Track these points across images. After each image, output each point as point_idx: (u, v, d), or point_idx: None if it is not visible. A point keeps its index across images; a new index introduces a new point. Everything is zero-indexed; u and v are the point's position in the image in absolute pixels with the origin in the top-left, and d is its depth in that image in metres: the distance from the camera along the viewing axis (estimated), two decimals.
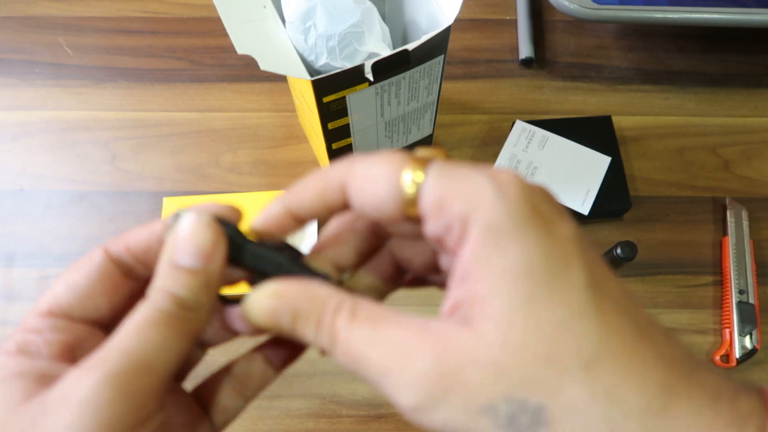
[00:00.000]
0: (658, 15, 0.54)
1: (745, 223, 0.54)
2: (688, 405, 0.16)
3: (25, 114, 0.61)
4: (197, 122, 0.60)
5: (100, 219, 0.56)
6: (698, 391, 0.16)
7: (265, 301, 0.20)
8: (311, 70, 0.44)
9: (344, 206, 0.20)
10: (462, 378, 0.16)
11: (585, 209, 0.52)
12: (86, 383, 0.17)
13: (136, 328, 0.18)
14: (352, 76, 0.39)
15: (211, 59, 0.64)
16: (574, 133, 0.55)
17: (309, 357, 0.50)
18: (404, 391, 0.16)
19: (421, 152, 0.20)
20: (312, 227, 0.55)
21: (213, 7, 0.39)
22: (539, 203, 0.17)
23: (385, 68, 0.40)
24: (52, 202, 0.57)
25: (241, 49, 0.35)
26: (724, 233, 0.54)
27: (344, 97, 0.40)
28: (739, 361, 0.49)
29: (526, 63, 0.62)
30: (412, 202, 0.18)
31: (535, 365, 0.16)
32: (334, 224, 0.22)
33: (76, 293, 0.20)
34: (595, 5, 0.54)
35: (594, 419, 0.15)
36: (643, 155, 0.58)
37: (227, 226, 0.21)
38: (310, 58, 0.43)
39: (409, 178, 0.18)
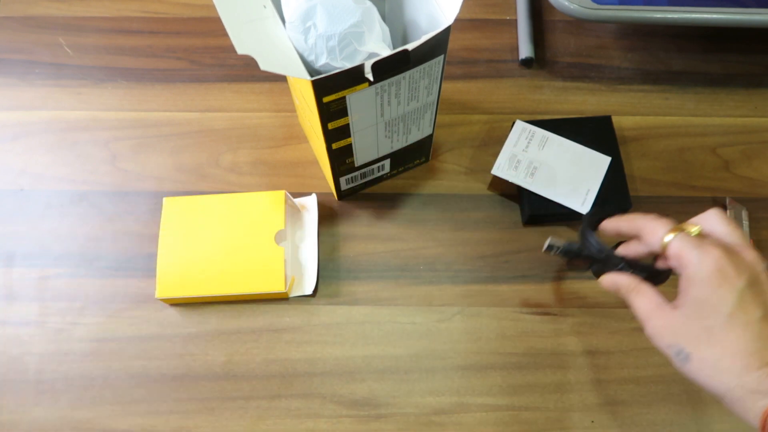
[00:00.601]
0: (658, 15, 0.54)
1: (745, 223, 0.54)
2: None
3: (25, 114, 0.61)
4: (197, 122, 0.60)
5: (100, 219, 0.56)
6: None
7: (605, 282, 0.42)
8: (311, 70, 0.44)
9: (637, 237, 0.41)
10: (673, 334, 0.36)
11: (585, 209, 0.52)
12: None
13: None
14: (352, 76, 0.39)
15: (211, 59, 0.64)
16: (575, 133, 0.55)
17: (309, 357, 0.50)
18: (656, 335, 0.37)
19: (687, 227, 0.38)
20: (313, 222, 0.55)
21: (213, 7, 0.39)
22: (727, 267, 0.35)
23: (385, 68, 0.40)
24: (52, 202, 0.57)
25: (241, 49, 0.35)
26: None
27: (344, 97, 0.40)
28: None
29: (526, 63, 0.62)
30: (665, 247, 0.38)
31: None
32: (632, 245, 0.42)
33: None
34: (595, 5, 0.54)
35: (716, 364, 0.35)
36: (643, 155, 0.58)
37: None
38: (310, 58, 0.43)
39: (669, 237, 0.37)
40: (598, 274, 0.53)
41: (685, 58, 0.64)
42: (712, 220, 0.38)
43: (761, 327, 0.33)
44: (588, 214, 0.47)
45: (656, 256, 0.41)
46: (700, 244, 0.35)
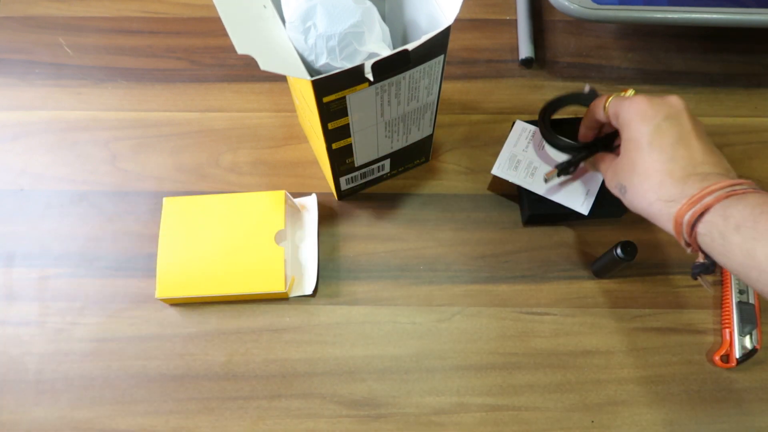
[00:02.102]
0: (658, 15, 0.54)
1: None
2: (689, 184, 0.38)
3: (25, 114, 0.61)
4: (197, 122, 0.60)
5: (100, 219, 0.56)
6: (695, 179, 0.38)
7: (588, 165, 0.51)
8: (311, 70, 0.44)
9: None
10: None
11: (585, 209, 0.52)
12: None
13: None
14: (352, 76, 0.39)
15: (211, 59, 0.64)
16: (574, 133, 0.55)
17: (309, 357, 0.50)
18: (607, 181, 0.45)
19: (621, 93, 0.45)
20: (313, 222, 0.55)
21: (213, 7, 0.39)
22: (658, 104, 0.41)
23: (385, 68, 0.40)
24: (52, 202, 0.57)
25: (241, 49, 0.35)
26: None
27: (344, 97, 0.40)
28: (739, 361, 0.49)
29: (526, 63, 0.62)
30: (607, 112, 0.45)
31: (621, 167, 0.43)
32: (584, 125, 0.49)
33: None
34: (595, 5, 0.54)
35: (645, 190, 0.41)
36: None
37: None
38: (310, 58, 0.43)
39: (608, 102, 0.44)
40: (597, 273, 0.53)
41: (685, 58, 0.64)
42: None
43: (674, 149, 0.39)
44: (542, 110, 0.52)
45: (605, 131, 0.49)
46: (629, 98, 0.42)
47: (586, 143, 0.50)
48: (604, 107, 0.44)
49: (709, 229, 0.36)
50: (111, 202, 0.57)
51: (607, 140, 0.48)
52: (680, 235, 0.38)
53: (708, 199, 0.36)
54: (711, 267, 0.38)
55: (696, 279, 0.40)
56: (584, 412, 0.49)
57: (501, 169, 0.53)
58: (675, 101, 0.41)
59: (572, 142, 0.50)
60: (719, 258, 0.36)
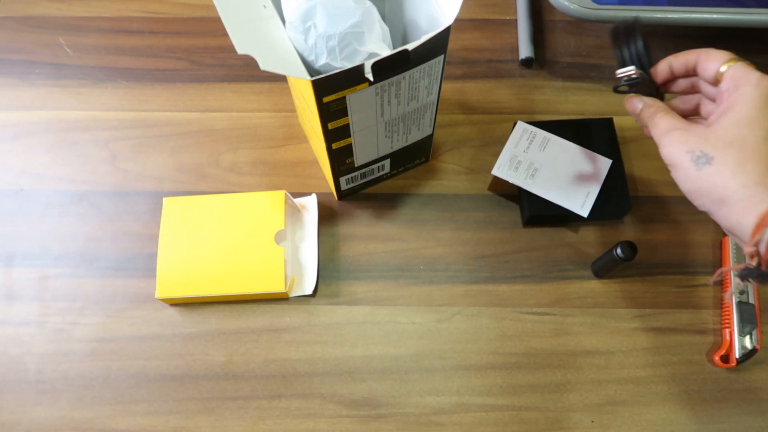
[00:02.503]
0: (658, 15, 0.54)
1: None
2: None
3: (25, 114, 0.61)
4: (197, 122, 0.60)
5: (100, 219, 0.56)
6: None
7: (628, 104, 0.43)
8: (311, 70, 0.44)
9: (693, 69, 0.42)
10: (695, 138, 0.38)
11: (584, 212, 0.52)
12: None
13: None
14: (352, 76, 0.39)
15: (211, 59, 0.64)
16: (576, 135, 0.55)
17: (309, 357, 0.50)
18: (676, 142, 0.38)
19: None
20: (313, 222, 0.55)
21: (213, 7, 0.39)
22: None
23: (385, 68, 0.40)
24: (52, 202, 0.57)
25: (241, 49, 0.35)
26: (724, 233, 0.54)
27: (344, 97, 0.40)
28: (739, 361, 0.49)
29: (526, 63, 0.62)
30: (721, 74, 0.39)
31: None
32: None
33: None
34: (595, 5, 0.54)
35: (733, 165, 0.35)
36: (643, 155, 0.58)
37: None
38: (310, 58, 0.43)
39: (728, 64, 0.39)
40: (597, 273, 0.53)
41: None
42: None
43: None
44: (616, 27, 0.44)
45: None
46: (759, 72, 0.38)
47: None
48: (719, 71, 0.39)
49: None
50: (111, 202, 0.57)
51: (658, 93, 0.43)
52: (754, 237, 0.34)
53: None
54: (765, 277, 0.34)
55: (746, 281, 0.36)
56: (584, 412, 0.49)
57: (501, 169, 0.53)
58: None
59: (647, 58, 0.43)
60: None
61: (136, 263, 0.54)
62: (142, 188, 0.57)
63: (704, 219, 0.56)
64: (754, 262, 0.34)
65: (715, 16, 0.54)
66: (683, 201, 0.56)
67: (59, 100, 0.61)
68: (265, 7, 0.42)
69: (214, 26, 0.66)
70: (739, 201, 0.34)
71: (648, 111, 0.41)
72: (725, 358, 0.50)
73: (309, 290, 0.52)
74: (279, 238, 0.52)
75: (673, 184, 0.57)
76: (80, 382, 0.50)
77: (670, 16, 0.54)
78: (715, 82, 0.39)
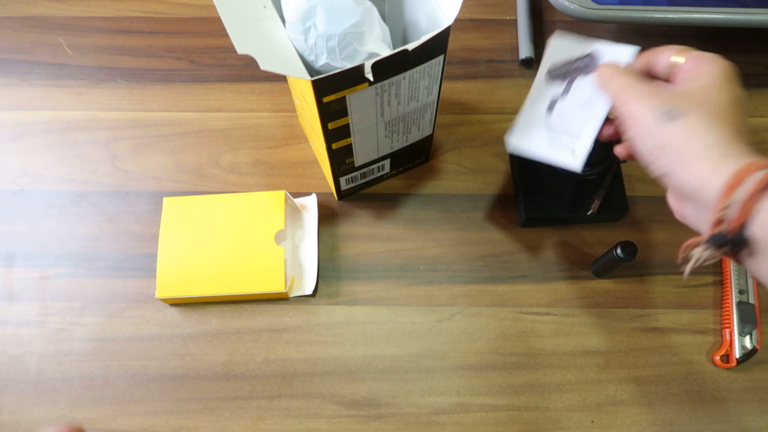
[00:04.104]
0: (658, 15, 0.54)
1: None
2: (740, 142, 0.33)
3: (25, 114, 0.61)
4: (197, 122, 0.60)
5: (100, 219, 0.56)
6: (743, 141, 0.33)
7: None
8: (311, 70, 0.44)
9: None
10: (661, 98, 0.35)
11: (577, 164, 0.43)
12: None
13: None
14: (352, 76, 0.39)
15: (211, 59, 0.64)
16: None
17: (309, 357, 0.50)
18: (645, 96, 0.36)
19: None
20: (313, 222, 0.55)
21: (213, 7, 0.39)
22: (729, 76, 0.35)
23: (385, 68, 0.40)
24: (52, 202, 0.57)
25: (241, 49, 0.35)
26: None
27: (344, 97, 0.40)
28: (739, 361, 0.49)
29: (526, 63, 0.62)
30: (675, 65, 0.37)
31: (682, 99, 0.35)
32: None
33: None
34: (595, 5, 0.54)
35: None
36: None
37: None
38: (310, 58, 0.43)
39: (682, 55, 0.37)
40: (597, 273, 0.53)
41: None
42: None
43: (744, 120, 0.35)
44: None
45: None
46: (713, 56, 0.36)
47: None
48: (672, 61, 0.37)
49: None
50: (111, 202, 0.57)
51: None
52: (727, 197, 0.30)
53: None
54: (740, 243, 0.31)
55: (716, 249, 0.31)
56: (584, 412, 0.49)
57: (520, 137, 0.44)
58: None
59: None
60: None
61: (136, 263, 0.54)
62: (142, 188, 0.57)
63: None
64: (719, 229, 0.31)
65: (715, 16, 0.54)
66: None
67: (59, 100, 0.61)
68: (265, 7, 0.42)
69: (214, 26, 0.66)
70: (709, 158, 0.32)
71: (607, 70, 0.39)
72: (725, 358, 0.50)
73: (309, 290, 0.52)
74: (279, 238, 0.52)
75: None
76: (80, 382, 0.50)
77: (670, 16, 0.54)
78: (669, 74, 0.38)
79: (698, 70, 0.36)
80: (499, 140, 0.56)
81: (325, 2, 0.41)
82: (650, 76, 0.39)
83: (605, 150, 0.54)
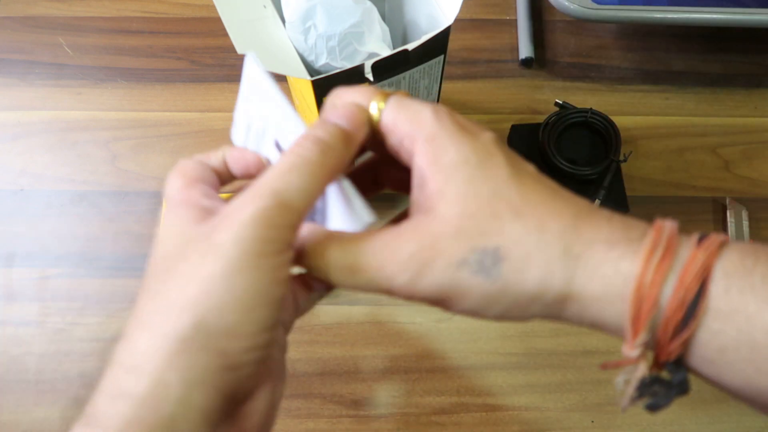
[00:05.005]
0: (658, 15, 0.54)
1: (745, 223, 0.54)
2: (590, 224, 0.22)
3: (25, 114, 0.61)
4: (197, 122, 0.60)
5: (100, 219, 0.56)
6: (597, 217, 0.22)
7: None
8: (311, 70, 0.44)
9: None
10: (438, 248, 0.22)
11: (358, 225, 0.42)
12: (248, 210, 0.21)
13: (281, 172, 0.22)
14: (352, 76, 0.39)
15: (211, 59, 0.63)
16: (576, 135, 0.55)
17: (309, 357, 0.50)
18: (400, 273, 0.22)
19: (387, 90, 0.26)
20: None
21: (213, 7, 0.39)
22: (463, 122, 0.24)
23: (385, 68, 0.40)
24: (52, 202, 0.57)
25: (241, 49, 0.35)
26: (724, 233, 0.54)
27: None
28: None
29: (526, 63, 0.62)
30: (377, 123, 0.25)
31: (484, 223, 0.22)
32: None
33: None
34: (595, 5, 0.54)
35: (532, 246, 0.22)
36: (642, 155, 0.58)
37: None
38: (310, 58, 0.43)
39: (375, 107, 0.25)
40: None
41: (685, 58, 0.64)
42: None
43: (549, 184, 0.23)
44: None
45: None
46: (417, 102, 0.24)
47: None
48: (374, 117, 0.25)
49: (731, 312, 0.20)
50: (111, 202, 0.57)
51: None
52: (646, 318, 0.20)
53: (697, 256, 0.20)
54: (685, 384, 0.21)
55: (654, 411, 0.21)
56: (584, 412, 0.49)
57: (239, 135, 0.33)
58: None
59: None
60: (730, 368, 0.20)
61: (136, 263, 0.54)
62: (142, 188, 0.57)
63: (704, 219, 0.56)
64: (644, 367, 0.21)
65: (715, 16, 0.54)
66: (683, 201, 0.56)
67: (59, 100, 0.61)
68: (265, 7, 0.42)
69: (214, 26, 0.66)
70: (588, 283, 0.21)
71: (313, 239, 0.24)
72: None
73: None
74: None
75: (672, 184, 0.58)
76: (80, 382, 0.50)
77: (670, 16, 0.54)
78: (376, 128, 0.25)
79: (429, 152, 0.23)
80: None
81: (325, 2, 0.41)
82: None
83: (605, 150, 0.54)
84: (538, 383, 0.50)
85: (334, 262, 0.23)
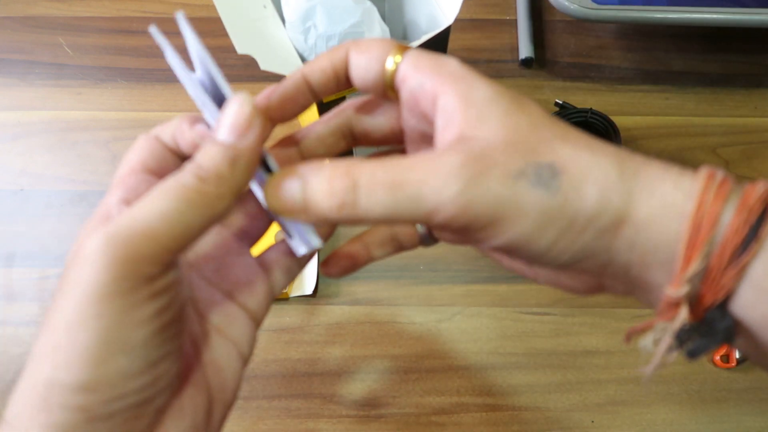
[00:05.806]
0: (658, 15, 0.54)
1: None
2: (636, 155, 0.22)
3: (25, 114, 0.61)
4: None
5: None
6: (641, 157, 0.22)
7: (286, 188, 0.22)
8: None
9: (347, 79, 0.26)
10: (492, 159, 0.20)
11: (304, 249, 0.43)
12: (92, 242, 0.19)
13: (151, 197, 0.20)
14: None
15: None
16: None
17: (309, 357, 0.50)
18: (449, 184, 0.19)
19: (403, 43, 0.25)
20: None
21: (213, 7, 0.39)
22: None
23: None
24: (52, 202, 0.57)
25: (241, 49, 0.35)
26: None
27: (344, 97, 0.40)
28: (739, 361, 0.49)
29: (526, 63, 0.62)
30: (391, 77, 0.24)
31: (533, 142, 0.21)
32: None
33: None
34: (595, 5, 0.54)
35: (587, 162, 0.20)
36: (643, 155, 0.58)
37: None
38: (310, 58, 0.43)
39: (391, 61, 0.23)
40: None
41: (685, 58, 0.64)
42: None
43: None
44: None
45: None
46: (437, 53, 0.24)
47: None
48: (387, 70, 0.24)
49: None
50: None
51: None
52: (695, 257, 0.19)
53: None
54: (731, 330, 0.19)
55: (695, 358, 0.20)
56: (584, 412, 0.49)
57: None
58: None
59: None
60: None
61: None
62: None
63: None
64: (683, 314, 0.19)
65: (715, 16, 0.54)
66: None
67: (59, 100, 0.61)
68: (265, 7, 0.42)
69: (214, 26, 0.65)
70: (647, 199, 0.20)
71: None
72: (725, 358, 0.50)
73: (309, 290, 0.52)
74: (279, 237, 0.52)
75: None
76: None
77: (670, 16, 0.54)
78: (391, 82, 0.24)
79: (465, 94, 0.22)
80: None
81: (325, 2, 0.41)
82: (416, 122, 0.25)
83: None
84: (538, 383, 0.50)
85: (371, 179, 0.20)
